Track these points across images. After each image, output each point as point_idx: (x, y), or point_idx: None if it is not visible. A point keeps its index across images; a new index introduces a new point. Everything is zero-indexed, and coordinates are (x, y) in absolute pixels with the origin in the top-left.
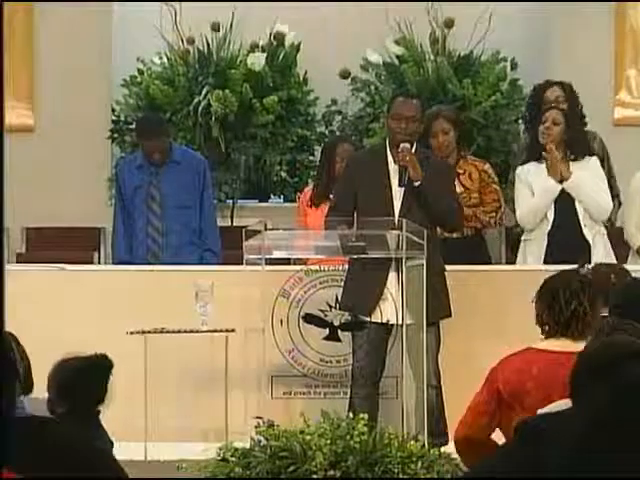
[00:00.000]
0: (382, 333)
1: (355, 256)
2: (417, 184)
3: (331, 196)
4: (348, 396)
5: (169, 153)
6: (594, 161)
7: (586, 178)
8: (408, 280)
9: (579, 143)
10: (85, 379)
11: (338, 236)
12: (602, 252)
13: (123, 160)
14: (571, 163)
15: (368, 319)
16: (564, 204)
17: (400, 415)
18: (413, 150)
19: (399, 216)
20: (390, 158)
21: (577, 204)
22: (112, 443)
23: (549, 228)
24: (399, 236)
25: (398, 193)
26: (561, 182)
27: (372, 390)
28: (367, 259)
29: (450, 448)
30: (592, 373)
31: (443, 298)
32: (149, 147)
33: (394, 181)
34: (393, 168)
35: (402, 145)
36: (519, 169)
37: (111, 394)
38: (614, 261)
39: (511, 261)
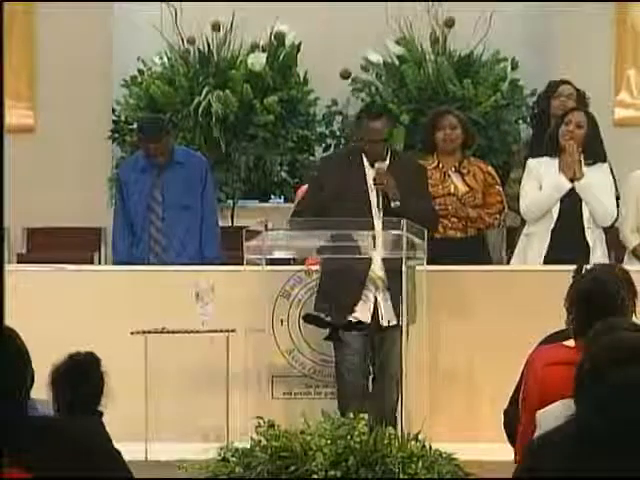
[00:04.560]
0: (364, 334)
1: (359, 256)
2: (396, 204)
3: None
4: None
5: (171, 154)
6: (606, 167)
7: (597, 182)
8: (392, 281)
9: (596, 148)
10: (75, 380)
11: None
12: (600, 256)
13: (125, 161)
14: (584, 167)
15: (368, 320)
16: (571, 204)
17: (400, 415)
18: (390, 153)
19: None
20: (366, 162)
21: (584, 206)
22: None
23: (552, 226)
24: (373, 237)
25: (375, 197)
26: (572, 181)
27: (358, 391)
28: (345, 259)
29: (449, 448)
30: (596, 373)
31: (413, 301)
32: (151, 149)
33: (370, 184)
34: (369, 173)
35: (377, 166)
36: (530, 161)
37: (110, 394)
38: None
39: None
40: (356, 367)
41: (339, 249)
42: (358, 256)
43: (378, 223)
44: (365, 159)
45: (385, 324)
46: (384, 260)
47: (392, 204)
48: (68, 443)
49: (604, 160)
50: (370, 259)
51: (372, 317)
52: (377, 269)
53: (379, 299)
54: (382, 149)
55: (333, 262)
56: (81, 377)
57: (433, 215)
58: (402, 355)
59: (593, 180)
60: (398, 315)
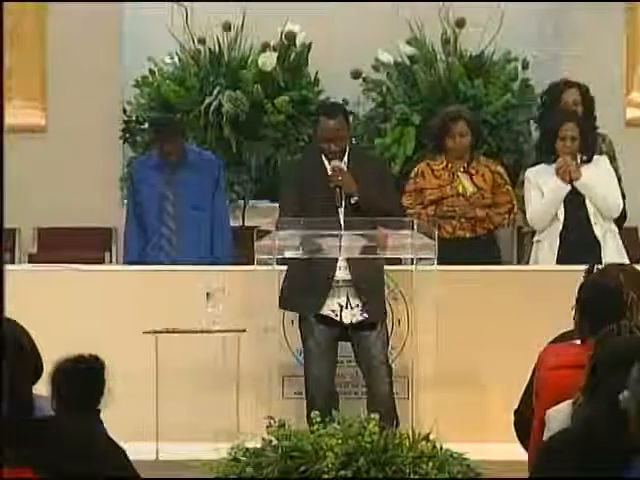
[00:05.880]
0: (334, 333)
1: (366, 256)
2: (355, 200)
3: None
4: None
5: (183, 154)
6: (603, 159)
7: (596, 176)
8: (360, 278)
9: (590, 147)
10: (75, 380)
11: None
12: (613, 250)
13: (137, 160)
14: (582, 165)
15: (379, 319)
16: (574, 203)
17: (410, 415)
18: (348, 150)
19: (345, 216)
20: (326, 161)
21: (587, 203)
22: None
23: (560, 228)
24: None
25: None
26: (570, 182)
27: (330, 390)
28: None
29: (458, 448)
30: (606, 373)
31: (382, 297)
32: (164, 148)
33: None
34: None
35: (333, 163)
36: (529, 171)
37: (117, 395)
38: (626, 258)
39: (522, 261)
40: (321, 363)
41: (311, 250)
42: (332, 256)
43: (341, 220)
44: (324, 158)
45: (352, 321)
46: (350, 259)
47: (351, 200)
48: (65, 439)
49: (599, 153)
50: (336, 259)
51: (340, 316)
52: (343, 267)
53: (343, 298)
54: (339, 147)
55: (300, 262)
56: (80, 377)
57: (397, 210)
58: (411, 355)
59: (592, 175)
60: (367, 312)
